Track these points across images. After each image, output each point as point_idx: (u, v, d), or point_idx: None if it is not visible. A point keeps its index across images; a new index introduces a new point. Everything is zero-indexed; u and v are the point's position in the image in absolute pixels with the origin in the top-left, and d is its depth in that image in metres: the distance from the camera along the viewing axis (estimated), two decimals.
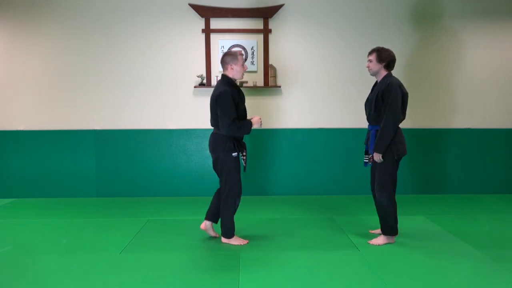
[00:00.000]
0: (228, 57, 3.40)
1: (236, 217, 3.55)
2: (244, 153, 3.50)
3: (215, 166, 3.52)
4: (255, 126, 3.43)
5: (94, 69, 5.19)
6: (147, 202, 5.02)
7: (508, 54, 5.30)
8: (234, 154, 3.39)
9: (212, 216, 3.65)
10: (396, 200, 3.54)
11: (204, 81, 5.17)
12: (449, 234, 3.78)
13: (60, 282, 2.81)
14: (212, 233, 3.70)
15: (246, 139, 3.86)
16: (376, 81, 3.56)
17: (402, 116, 3.43)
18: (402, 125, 3.52)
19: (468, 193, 5.38)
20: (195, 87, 5.17)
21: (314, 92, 5.26)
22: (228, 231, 3.51)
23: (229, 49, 5.13)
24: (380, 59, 3.43)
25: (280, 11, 5.17)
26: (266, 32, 5.16)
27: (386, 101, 3.34)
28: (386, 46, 3.57)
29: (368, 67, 3.52)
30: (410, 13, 5.21)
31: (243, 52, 3.52)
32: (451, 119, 5.35)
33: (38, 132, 5.22)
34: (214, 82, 5.18)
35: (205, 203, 4.93)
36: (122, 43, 5.17)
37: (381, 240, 3.51)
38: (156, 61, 5.20)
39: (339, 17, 5.19)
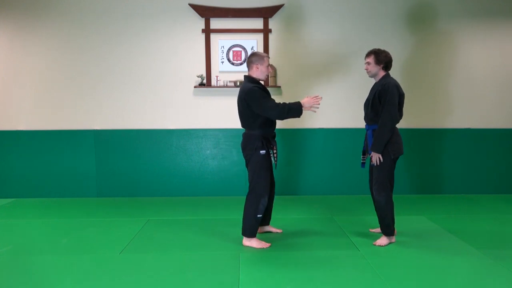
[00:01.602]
0: (254, 57, 3.47)
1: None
2: (275, 150, 3.49)
3: (246, 165, 3.53)
4: (306, 106, 3.36)
5: (94, 69, 5.19)
6: (147, 202, 5.02)
7: (508, 54, 5.31)
8: (262, 152, 3.39)
9: (264, 219, 3.78)
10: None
11: (204, 81, 5.17)
12: (449, 234, 3.78)
13: (60, 282, 2.81)
14: (273, 230, 3.84)
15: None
16: (375, 82, 3.59)
17: (399, 116, 3.46)
18: (401, 125, 3.53)
19: (468, 193, 5.38)
20: (195, 87, 5.17)
21: (314, 92, 5.25)
22: (249, 231, 3.43)
23: (229, 48, 5.15)
24: (378, 61, 3.47)
25: (280, 11, 5.17)
26: (266, 32, 5.16)
27: (382, 101, 3.38)
28: (385, 46, 3.60)
29: (366, 69, 3.56)
30: (410, 13, 5.20)
31: (269, 55, 3.60)
32: (450, 119, 5.35)
33: (38, 132, 5.22)
34: (214, 82, 5.18)
35: (205, 203, 4.96)
36: (122, 43, 5.17)
37: (384, 240, 3.51)
38: (156, 61, 5.20)
39: (339, 17, 5.19)
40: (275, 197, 5.13)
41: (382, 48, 3.57)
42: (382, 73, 3.51)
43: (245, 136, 3.49)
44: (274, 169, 3.60)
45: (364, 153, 3.70)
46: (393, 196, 3.54)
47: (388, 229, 3.50)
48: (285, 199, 5.11)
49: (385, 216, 3.46)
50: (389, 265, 3.07)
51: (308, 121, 5.29)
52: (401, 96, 3.42)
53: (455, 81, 5.31)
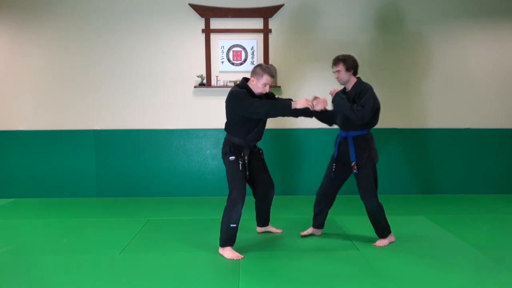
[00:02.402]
0: (257, 69, 3.29)
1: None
2: (246, 160, 3.36)
3: None
4: (299, 105, 3.22)
5: (94, 69, 5.19)
6: (147, 202, 5.02)
7: (508, 54, 5.30)
8: (231, 158, 3.33)
9: (262, 221, 3.82)
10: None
11: (204, 81, 5.17)
12: (449, 234, 3.78)
13: (60, 282, 2.81)
14: (273, 230, 3.86)
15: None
16: (344, 88, 3.50)
17: (374, 120, 3.42)
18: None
19: (468, 193, 5.38)
20: (195, 87, 5.17)
21: (314, 92, 5.22)
22: (222, 240, 3.29)
23: (229, 48, 5.15)
24: (347, 68, 3.36)
25: (280, 11, 5.17)
26: (266, 32, 5.16)
27: (364, 99, 3.28)
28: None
29: (337, 78, 3.42)
30: (411, 13, 5.20)
31: (273, 74, 3.39)
32: (451, 119, 5.34)
33: (38, 132, 5.22)
34: (214, 82, 5.18)
35: (205, 203, 4.96)
36: (122, 44, 5.17)
37: (385, 241, 3.51)
38: (156, 61, 5.20)
39: (338, 17, 5.19)
40: (276, 197, 5.15)
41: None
42: (353, 79, 3.41)
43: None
44: (260, 175, 3.55)
45: (335, 161, 3.55)
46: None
47: (383, 232, 3.50)
48: (285, 199, 5.11)
49: (379, 220, 3.46)
50: (389, 265, 3.07)
51: (307, 121, 5.27)
52: (376, 100, 3.36)
53: (455, 81, 5.30)
